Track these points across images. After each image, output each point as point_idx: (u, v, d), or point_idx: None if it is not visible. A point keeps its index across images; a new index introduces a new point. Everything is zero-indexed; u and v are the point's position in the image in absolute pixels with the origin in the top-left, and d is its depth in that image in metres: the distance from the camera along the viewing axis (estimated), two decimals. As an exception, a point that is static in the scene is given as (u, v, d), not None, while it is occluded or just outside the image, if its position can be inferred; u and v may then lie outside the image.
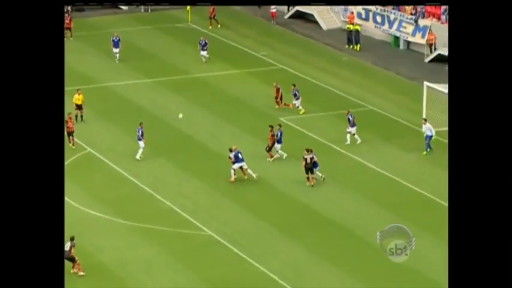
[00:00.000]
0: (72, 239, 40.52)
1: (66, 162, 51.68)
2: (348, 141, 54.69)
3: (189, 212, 47.14)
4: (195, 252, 43.28)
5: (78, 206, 47.48)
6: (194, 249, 43.55)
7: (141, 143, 52.30)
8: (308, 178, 49.41)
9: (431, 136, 53.29)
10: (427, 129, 53.36)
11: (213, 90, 63.03)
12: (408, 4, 71.63)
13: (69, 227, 43.05)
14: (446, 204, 47.68)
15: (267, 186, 49.37)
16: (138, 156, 52.25)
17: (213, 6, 77.21)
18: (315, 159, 49.20)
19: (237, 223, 45.81)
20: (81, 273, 40.69)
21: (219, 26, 76.84)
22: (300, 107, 59.08)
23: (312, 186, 49.28)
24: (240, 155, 49.60)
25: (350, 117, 54.84)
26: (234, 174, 49.61)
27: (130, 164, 51.95)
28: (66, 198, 47.76)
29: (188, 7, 78.00)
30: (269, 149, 52.80)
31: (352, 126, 54.80)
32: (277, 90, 59.23)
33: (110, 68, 67.48)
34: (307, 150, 49.30)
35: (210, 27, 76.56)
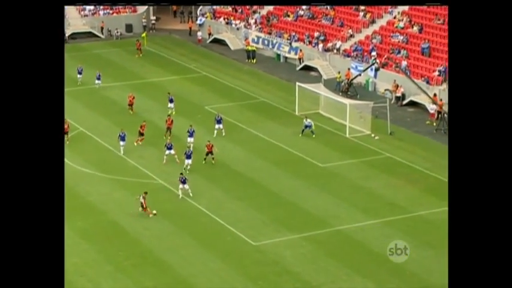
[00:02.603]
0: (146, 193, 40.22)
1: (66, 138, 50.42)
2: (215, 135, 50.82)
3: (146, 168, 46.24)
4: (152, 195, 42.28)
5: (74, 166, 46.28)
6: (150, 193, 42.50)
7: (122, 143, 48.15)
8: (205, 159, 46.57)
9: (310, 126, 51.66)
10: (308, 122, 52.00)
11: (162, 90, 61.87)
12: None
13: (69, 180, 41.97)
14: (311, 160, 47.64)
15: (196, 152, 48.31)
16: (122, 153, 48.01)
17: (139, 42, 72.79)
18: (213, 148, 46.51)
19: (178, 175, 44.89)
20: (152, 214, 39.91)
21: (141, 55, 71.97)
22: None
23: (213, 164, 46.41)
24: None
25: (218, 117, 51.41)
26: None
27: (107, 137, 50.79)
28: (66, 160, 46.66)
29: (144, 34, 76.43)
30: (167, 130, 50.46)
31: (219, 123, 51.42)
32: (171, 121, 51.53)
33: (92, 76, 65.10)
34: (209, 141, 46.94)
35: (136, 56, 71.87)
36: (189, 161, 45.56)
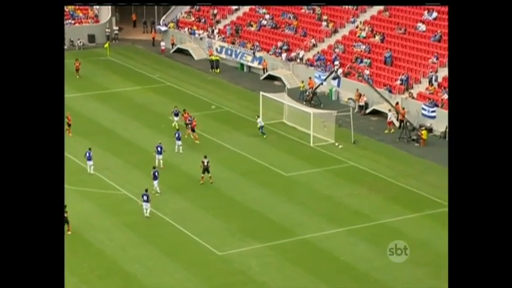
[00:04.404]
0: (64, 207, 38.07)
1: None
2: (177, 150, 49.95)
3: (110, 179, 45.94)
4: (116, 205, 42.19)
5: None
6: (115, 203, 42.44)
7: (90, 162, 46.74)
8: (202, 177, 45.02)
9: (262, 126, 52.72)
10: (259, 122, 52.96)
11: (125, 100, 61.68)
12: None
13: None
14: (275, 169, 47.70)
15: (163, 161, 48.17)
16: (92, 171, 46.64)
17: (78, 62, 68.64)
18: (208, 164, 44.95)
19: (142, 186, 44.39)
20: (69, 232, 37.87)
21: (78, 76, 67.94)
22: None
23: (202, 184, 44.83)
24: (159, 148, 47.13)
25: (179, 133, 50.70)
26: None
27: (70, 147, 50.14)
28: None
29: (106, 45, 75.93)
30: (192, 130, 51.37)
31: (179, 140, 49.95)
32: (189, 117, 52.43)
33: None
34: (205, 156, 45.45)
35: (77, 77, 68.47)
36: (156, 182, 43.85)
